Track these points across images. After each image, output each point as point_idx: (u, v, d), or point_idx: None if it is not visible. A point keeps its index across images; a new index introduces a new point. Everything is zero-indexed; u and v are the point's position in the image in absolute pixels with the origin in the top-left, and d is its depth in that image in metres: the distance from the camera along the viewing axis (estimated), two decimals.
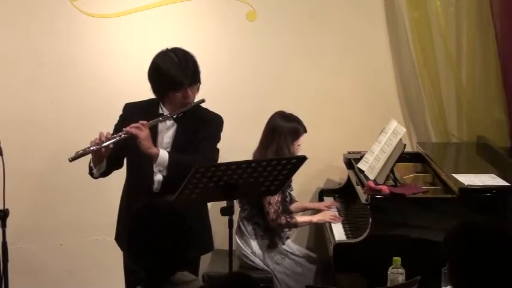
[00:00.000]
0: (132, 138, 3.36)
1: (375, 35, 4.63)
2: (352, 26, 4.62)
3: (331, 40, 4.63)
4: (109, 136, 3.35)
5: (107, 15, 4.53)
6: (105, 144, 3.32)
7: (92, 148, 3.32)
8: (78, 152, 3.32)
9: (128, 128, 3.37)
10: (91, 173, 3.51)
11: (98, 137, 3.34)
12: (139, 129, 3.35)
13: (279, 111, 4.12)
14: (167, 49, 3.52)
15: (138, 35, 4.53)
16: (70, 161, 3.32)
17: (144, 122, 3.37)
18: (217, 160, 3.57)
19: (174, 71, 3.42)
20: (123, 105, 3.63)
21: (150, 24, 4.54)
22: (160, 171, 3.41)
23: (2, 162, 3.44)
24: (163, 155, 3.38)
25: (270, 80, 4.64)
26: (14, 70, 4.55)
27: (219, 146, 3.64)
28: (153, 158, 3.38)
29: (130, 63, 4.46)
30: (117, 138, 3.36)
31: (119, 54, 4.55)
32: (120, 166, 3.62)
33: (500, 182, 3.58)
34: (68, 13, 4.49)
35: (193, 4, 4.56)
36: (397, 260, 3.09)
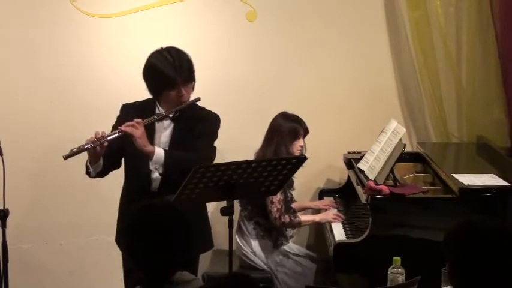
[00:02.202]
0: (128, 137, 3.35)
1: (374, 35, 4.62)
2: (352, 26, 4.61)
3: (331, 40, 4.63)
4: (104, 135, 3.35)
5: (107, 15, 4.53)
6: (99, 142, 3.31)
7: (86, 146, 3.31)
8: (72, 149, 3.32)
9: (122, 127, 3.37)
10: (87, 172, 3.50)
11: (93, 135, 3.34)
12: (134, 128, 3.34)
13: (283, 112, 4.13)
14: (161, 48, 3.52)
15: (138, 35, 4.53)
16: (64, 158, 3.33)
17: (139, 120, 3.37)
18: (213, 158, 3.54)
19: (168, 70, 3.41)
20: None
21: (150, 24, 4.54)
22: (156, 169, 3.40)
23: (2, 162, 3.44)
24: (159, 152, 3.37)
25: (270, 80, 4.64)
26: (14, 70, 4.55)
27: (218, 145, 3.62)
28: (149, 156, 3.37)
29: (130, 63, 4.44)
30: (112, 136, 3.36)
31: (118, 54, 4.55)
32: (118, 166, 3.61)
33: (500, 182, 3.57)
34: (68, 13, 4.49)
35: (193, 4, 4.56)
36: (397, 260, 3.08)
